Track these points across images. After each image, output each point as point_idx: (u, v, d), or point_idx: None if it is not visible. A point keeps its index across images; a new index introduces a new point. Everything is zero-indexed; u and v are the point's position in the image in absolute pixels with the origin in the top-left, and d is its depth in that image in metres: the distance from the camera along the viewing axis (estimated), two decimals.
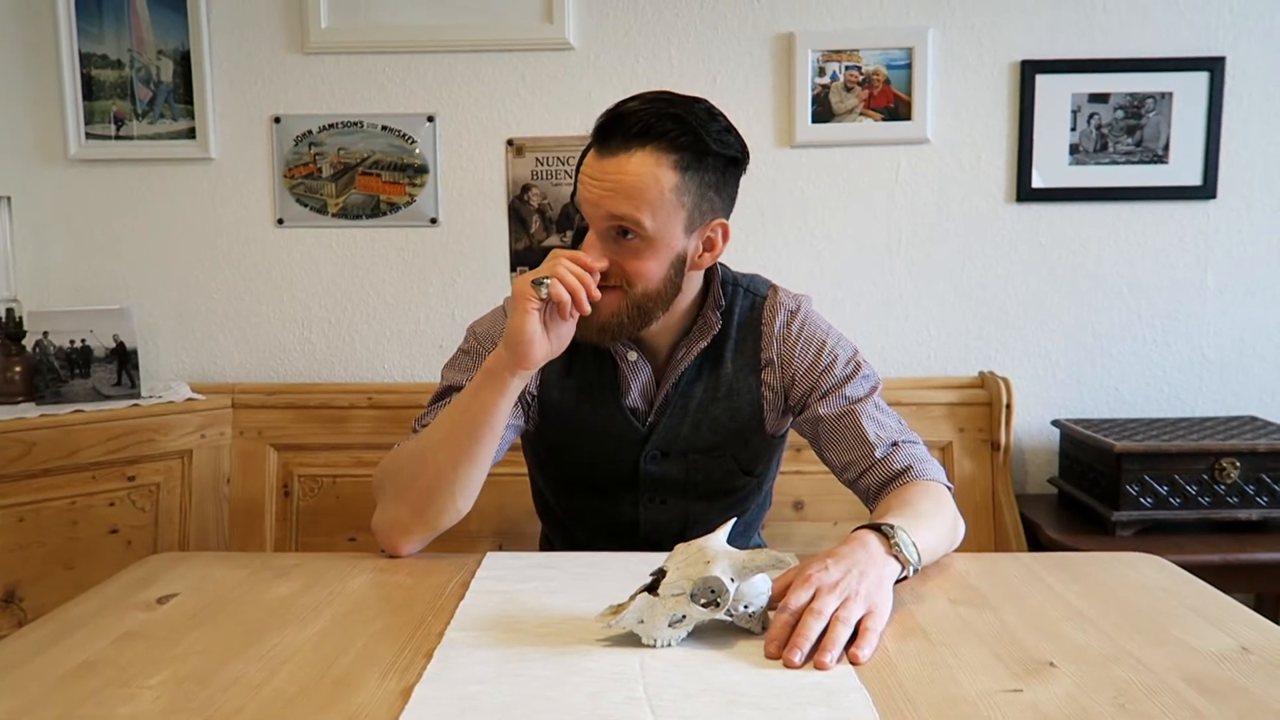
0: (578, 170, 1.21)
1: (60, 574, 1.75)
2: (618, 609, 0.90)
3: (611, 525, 1.36)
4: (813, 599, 0.90)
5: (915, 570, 1.02)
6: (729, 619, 0.91)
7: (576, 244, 1.21)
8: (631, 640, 0.89)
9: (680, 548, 0.93)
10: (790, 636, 0.87)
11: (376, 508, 1.21)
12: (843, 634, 0.87)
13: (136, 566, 1.15)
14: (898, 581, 1.00)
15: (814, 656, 0.85)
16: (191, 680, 0.83)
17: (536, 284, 1.10)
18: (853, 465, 1.25)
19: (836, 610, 0.89)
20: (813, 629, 0.87)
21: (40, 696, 0.80)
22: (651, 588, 0.90)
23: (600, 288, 1.15)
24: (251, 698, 0.79)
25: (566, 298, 1.10)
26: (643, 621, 0.88)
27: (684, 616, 0.88)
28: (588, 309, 1.12)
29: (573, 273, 1.11)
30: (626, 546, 1.28)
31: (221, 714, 0.76)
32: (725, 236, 1.23)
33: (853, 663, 0.86)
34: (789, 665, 0.85)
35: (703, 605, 0.88)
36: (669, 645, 0.88)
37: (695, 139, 1.15)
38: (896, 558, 1.00)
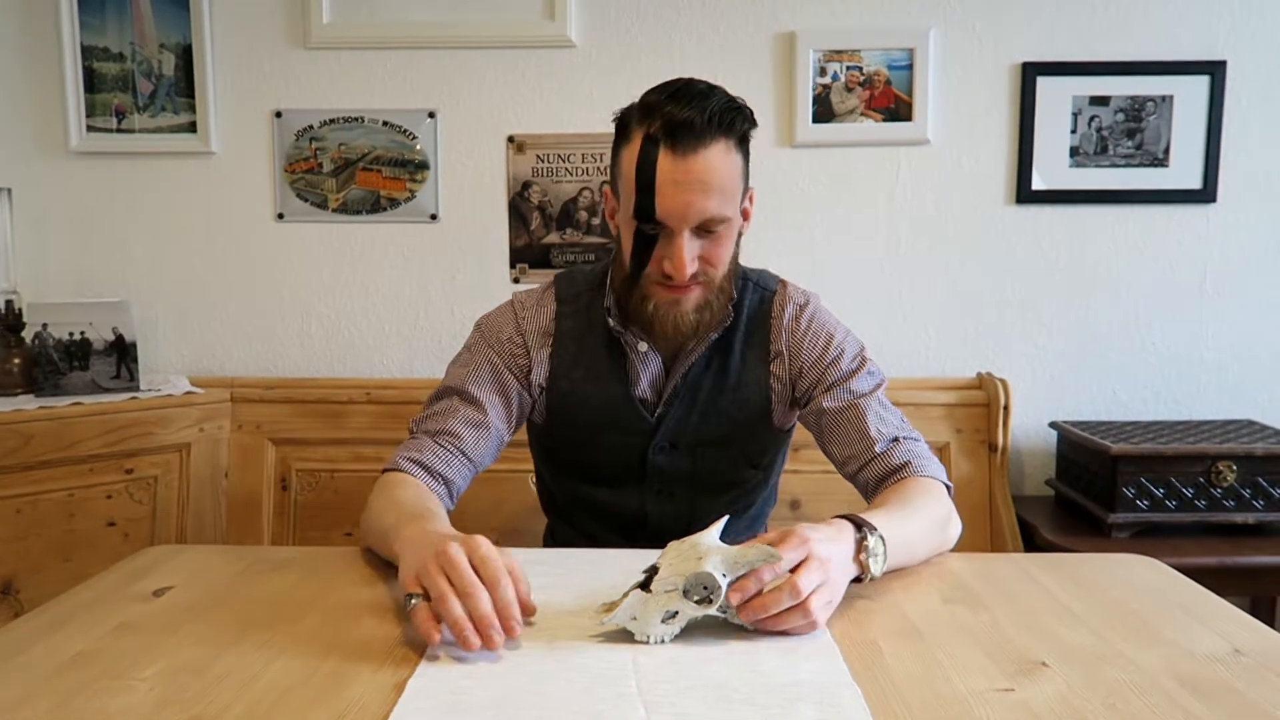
0: (644, 181, 1.14)
1: (57, 566, 1.76)
2: (611, 606, 0.91)
3: (619, 517, 1.37)
4: (799, 568, 0.90)
5: (873, 579, 1.00)
6: (721, 615, 0.91)
7: (641, 258, 1.19)
8: (625, 637, 0.89)
9: (673, 545, 0.93)
10: (758, 597, 0.88)
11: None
12: (800, 622, 0.89)
13: (133, 559, 1.15)
14: (853, 582, 1.00)
15: (767, 622, 0.89)
16: (186, 672, 0.83)
17: (409, 595, 0.89)
18: (853, 459, 1.26)
19: (811, 594, 0.89)
20: (782, 604, 0.88)
21: (35, 687, 0.80)
22: (644, 585, 0.90)
23: (681, 286, 1.19)
24: (246, 690, 0.79)
25: (426, 635, 0.84)
26: (635, 618, 0.89)
27: (676, 613, 0.89)
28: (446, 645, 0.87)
29: (466, 617, 0.84)
30: (634, 538, 1.29)
31: (215, 706, 0.77)
32: (752, 201, 1.28)
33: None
34: (742, 618, 0.89)
35: (695, 601, 0.88)
36: (662, 641, 0.89)
37: (747, 120, 1.19)
38: (860, 563, 0.99)
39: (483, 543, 0.91)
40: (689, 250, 1.17)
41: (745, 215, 1.27)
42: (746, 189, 1.24)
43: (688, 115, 1.13)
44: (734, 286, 1.30)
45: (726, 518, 1.00)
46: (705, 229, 1.18)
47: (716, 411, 1.31)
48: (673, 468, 1.34)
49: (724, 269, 1.22)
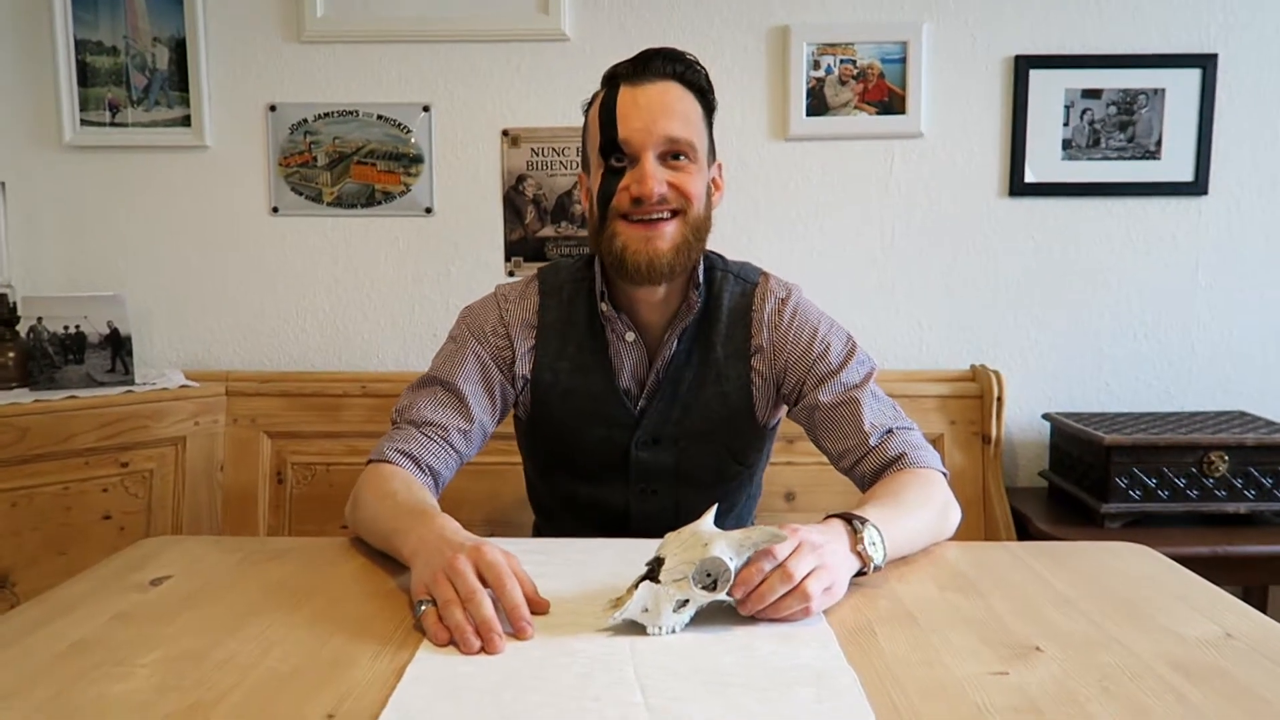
0: (606, 117, 1.21)
1: (53, 559, 1.76)
2: (617, 601, 0.91)
3: (603, 514, 1.36)
4: (791, 555, 0.92)
5: (877, 568, 1.02)
6: (730, 600, 0.91)
7: (608, 190, 1.22)
8: (625, 625, 0.89)
9: (671, 536, 0.93)
10: (757, 588, 0.90)
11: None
12: (797, 606, 0.90)
13: (130, 549, 1.15)
14: (858, 575, 1.01)
15: (767, 611, 0.91)
16: (185, 659, 0.83)
17: (418, 602, 0.91)
18: (849, 453, 1.26)
19: (806, 577, 0.91)
20: (777, 590, 0.90)
21: (33, 674, 0.80)
22: (651, 576, 0.90)
23: (658, 219, 1.21)
24: (245, 676, 0.80)
25: (435, 638, 0.87)
26: (647, 610, 0.88)
27: (686, 601, 0.89)
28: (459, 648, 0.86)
29: (466, 622, 0.86)
30: (618, 537, 1.29)
31: (215, 692, 0.77)
32: (721, 173, 1.33)
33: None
34: (742, 611, 0.91)
35: (702, 588, 0.89)
36: (673, 631, 0.89)
37: (703, 78, 1.27)
38: (860, 555, 1.00)
39: (488, 549, 0.93)
40: (655, 171, 1.20)
41: (716, 186, 1.31)
42: (713, 152, 1.29)
43: (640, 63, 1.23)
44: (694, 285, 1.30)
45: (716, 505, 1.01)
46: (670, 155, 1.21)
47: (698, 404, 1.31)
48: (657, 463, 1.33)
49: (697, 206, 1.23)
